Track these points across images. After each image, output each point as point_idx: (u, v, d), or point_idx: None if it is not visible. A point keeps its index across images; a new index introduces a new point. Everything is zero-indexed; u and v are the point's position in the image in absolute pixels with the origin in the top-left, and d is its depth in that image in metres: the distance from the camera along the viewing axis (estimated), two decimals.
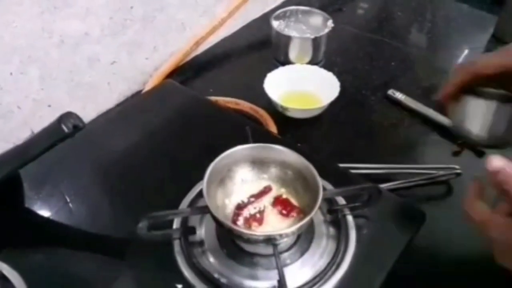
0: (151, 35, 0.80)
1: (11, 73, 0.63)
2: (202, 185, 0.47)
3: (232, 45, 0.95)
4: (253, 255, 0.49)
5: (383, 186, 0.61)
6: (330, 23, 0.87)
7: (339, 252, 0.50)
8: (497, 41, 0.96)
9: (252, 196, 0.51)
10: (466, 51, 0.96)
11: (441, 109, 0.77)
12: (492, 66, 0.45)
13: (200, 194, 0.54)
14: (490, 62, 0.45)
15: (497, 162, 0.40)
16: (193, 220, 0.53)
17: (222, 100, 0.77)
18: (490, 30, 0.98)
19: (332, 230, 0.53)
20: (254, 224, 0.48)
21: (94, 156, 0.64)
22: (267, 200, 0.51)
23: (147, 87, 0.81)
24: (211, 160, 0.49)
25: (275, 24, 0.88)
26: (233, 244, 0.50)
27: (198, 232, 0.51)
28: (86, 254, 0.52)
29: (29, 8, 0.61)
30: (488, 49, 0.95)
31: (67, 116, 0.46)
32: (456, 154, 0.71)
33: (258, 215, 0.49)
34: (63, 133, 0.45)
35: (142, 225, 0.46)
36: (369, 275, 0.49)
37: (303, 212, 0.50)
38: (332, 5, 1.07)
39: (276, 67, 0.80)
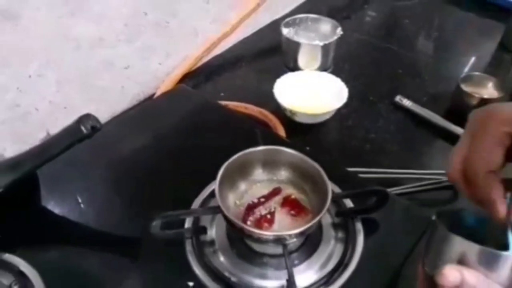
0: (164, 41, 0.82)
1: (29, 76, 0.65)
2: (214, 185, 0.49)
3: (243, 51, 0.97)
4: (262, 255, 0.51)
5: (391, 190, 0.61)
6: (339, 31, 0.89)
7: (346, 254, 0.51)
8: (504, 49, 0.97)
9: (263, 197, 0.52)
10: (473, 59, 0.96)
11: (447, 116, 0.78)
12: None
13: (211, 195, 0.56)
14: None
15: (453, 277, 0.33)
16: (205, 220, 0.54)
17: (232, 104, 0.79)
18: (497, 38, 0.99)
19: (340, 232, 0.54)
20: (265, 224, 0.49)
21: (107, 158, 0.65)
22: (277, 201, 0.53)
23: (160, 91, 0.82)
24: (222, 161, 0.51)
25: (285, 31, 0.89)
26: (243, 244, 0.52)
27: (209, 232, 0.53)
28: (99, 252, 0.53)
29: (47, 14, 0.63)
30: (495, 57, 0.96)
31: (86, 117, 0.48)
32: None
33: (268, 216, 0.50)
34: (81, 134, 0.47)
35: (156, 224, 0.47)
36: (376, 277, 0.50)
37: (312, 213, 0.51)
38: (341, 13, 1.08)
39: (285, 73, 0.82)
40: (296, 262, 0.50)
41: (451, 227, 0.39)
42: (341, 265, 0.50)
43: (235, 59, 0.94)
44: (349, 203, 0.56)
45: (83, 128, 0.47)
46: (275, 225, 0.50)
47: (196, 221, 0.54)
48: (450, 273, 0.34)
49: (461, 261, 0.35)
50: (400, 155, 0.74)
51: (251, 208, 0.51)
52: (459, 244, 0.36)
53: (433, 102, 0.83)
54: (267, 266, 0.50)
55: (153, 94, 0.83)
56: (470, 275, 0.34)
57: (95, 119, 0.48)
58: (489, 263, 0.34)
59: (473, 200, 0.38)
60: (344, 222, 0.54)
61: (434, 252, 0.39)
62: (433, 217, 0.40)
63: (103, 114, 0.78)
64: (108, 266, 0.52)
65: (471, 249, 0.35)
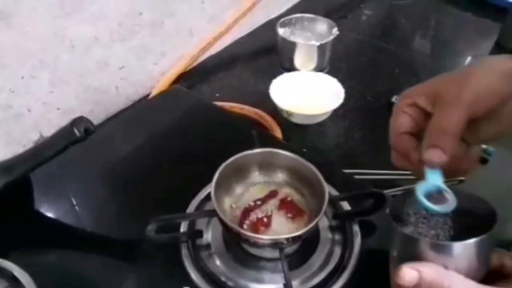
0: (159, 41, 0.82)
1: (22, 77, 0.64)
2: (210, 188, 0.48)
3: (239, 51, 0.96)
4: (259, 258, 0.50)
5: (387, 192, 0.61)
6: (335, 30, 0.88)
7: (344, 257, 0.51)
8: (500, 48, 0.97)
9: (259, 200, 0.52)
10: (469, 58, 0.96)
11: None
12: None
13: (207, 198, 0.55)
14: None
15: (409, 276, 0.34)
16: (200, 224, 0.53)
17: (227, 105, 0.78)
18: (494, 38, 0.99)
19: (337, 235, 0.53)
20: (262, 228, 0.49)
21: (101, 159, 0.65)
22: (273, 204, 0.52)
23: (155, 92, 0.82)
24: (218, 164, 0.50)
25: (280, 31, 0.89)
26: (240, 248, 0.51)
27: (205, 235, 0.52)
28: (95, 256, 0.53)
29: (42, 14, 0.62)
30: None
31: (79, 120, 0.47)
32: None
33: (265, 219, 0.49)
34: (75, 137, 0.47)
35: (151, 227, 0.47)
36: (373, 279, 0.50)
37: (309, 216, 0.50)
38: (337, 12, 1.08)
39: (281, 73, 0.81)
40: (293, 265, 0.50)
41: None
42: (338, 268, 0.50)
43: (231, 59, 0.93)
44: (346, 205, 0.56)
45: (76, 131, 0.46)
46: (272, 228, 0.49)
47: (191, 225, 0.53)
48: (407, 272, 0.34)
49: (418, 255, 0.35)
50: None
51: (247, 211, 0.50)
52: (408, 239, 0.36)
53: None
54: (264, 270, 0.49)
55: (148, 95, 0.83)
56: (428, 271, 0.33)
57: (89, 122, 0.48)
58: (441, 254, 0.34)
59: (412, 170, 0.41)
60: (341, 224, 0.54)
61: (395, 248, 0.39)
62: (387, 211, 0.40)
63: (98, 115, 0.78)
64: (103, 270, 0.51)
65: (418, 242, 0.35)
